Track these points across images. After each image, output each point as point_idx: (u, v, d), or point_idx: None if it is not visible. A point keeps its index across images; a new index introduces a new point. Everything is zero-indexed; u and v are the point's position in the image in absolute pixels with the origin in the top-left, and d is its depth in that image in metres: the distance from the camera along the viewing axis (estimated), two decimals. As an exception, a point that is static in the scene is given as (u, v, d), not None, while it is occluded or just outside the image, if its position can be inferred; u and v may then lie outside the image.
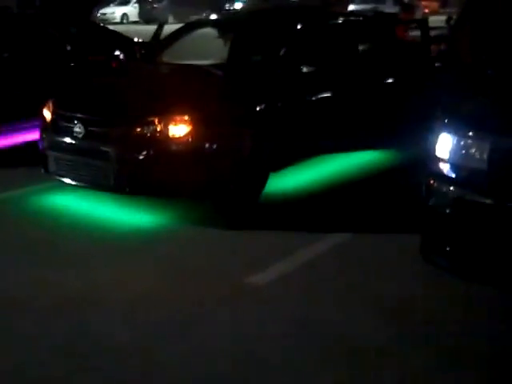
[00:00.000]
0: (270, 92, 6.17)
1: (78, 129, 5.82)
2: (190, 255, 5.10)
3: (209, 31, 7.67)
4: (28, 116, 8.20)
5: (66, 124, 6.01)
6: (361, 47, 7.12)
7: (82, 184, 5.98)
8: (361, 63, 6.96)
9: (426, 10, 39.54)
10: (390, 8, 33.78)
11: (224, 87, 6.10)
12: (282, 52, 6.37)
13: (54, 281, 4.62)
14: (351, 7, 34.67)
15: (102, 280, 4.64)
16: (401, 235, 5.36)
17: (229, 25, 7.66)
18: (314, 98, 6.45)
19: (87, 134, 5.78)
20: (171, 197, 5.80)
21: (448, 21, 11.87)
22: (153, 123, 5.57)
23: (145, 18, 43.69)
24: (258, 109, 6.00)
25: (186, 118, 5.54)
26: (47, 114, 6.35)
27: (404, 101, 7.19)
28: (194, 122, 5.55)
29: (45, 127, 6.33)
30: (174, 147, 5.56)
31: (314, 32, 6.86)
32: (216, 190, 5.73)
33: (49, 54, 8.90)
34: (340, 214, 5.98)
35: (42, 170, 6.30)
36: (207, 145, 5.61)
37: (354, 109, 6.72)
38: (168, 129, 5.55)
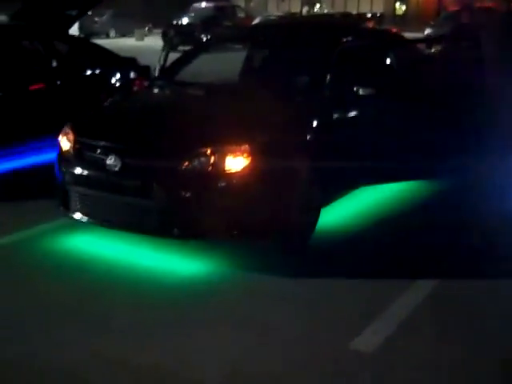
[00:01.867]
0: (325, 117, 5.47)
1: (111, 161, 4.97)
2: (266, 314, 4.30)
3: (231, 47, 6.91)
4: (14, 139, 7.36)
5: (93, 155, 5.15)
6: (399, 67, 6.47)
7: (115, 225, 5.12)
8: (405, 84, 6.30)
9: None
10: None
11: (277, 112, 5.31)
12: (330, 74, 5.64)
13: (116, 357, 3.75)
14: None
15: (176, 353, 3.81)
16: (491, 280, 4.79)
17: (257, 40, 6.84)
18: (365, 125, 5.76)
19: (124, 167, 4.94)
20: (225, 240, 4.99)
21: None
22: (205, 155, 4.78)
23: (85, 31, 42.43)
24: (315, 136, 5.27)
25: (246, 148, 4.77)
26: (65, 142, 5.47)
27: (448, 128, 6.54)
28: (253, 153, 4.78)
29: (64, 158, 5.44)
30: (230, 183, 4.77)
31: (359, 51, 6.19)
32: (276, 230, 4.97)
33: (31, 70, 8.01)
34: (405, 254, 5.29)
35: (61, 208, 5.40)
36: (267, 179, 4.86)
37: (406, 135, 6.03)
38: (224, 161, 4.76)
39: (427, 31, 26.99)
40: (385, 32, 7.58)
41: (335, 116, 5.54)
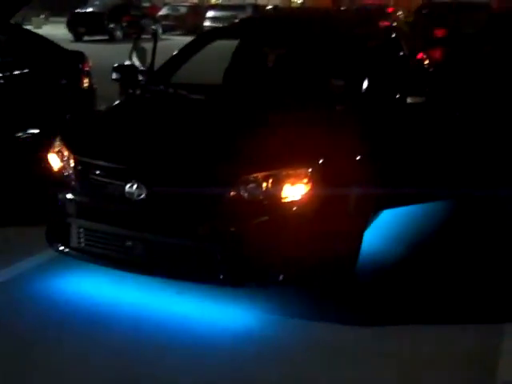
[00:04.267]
0: (371, 129, 4.67)
1: (132, 188, 3.95)
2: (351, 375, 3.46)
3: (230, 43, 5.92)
4: None
5: (105, 180, 4.12)
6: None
7: (137, 269, 4.11)
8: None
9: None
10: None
11: (324, 126, 4.43)
12: (368, 77, 4.83)
13: None
14: (210, 13, 33.62)
15: None
16: None
17: (269, 38, 5.77)
18: (416, 137, 4.99)
19: (151, 197, 3.93)
20: (284, 285, 4.07)
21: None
22: (256, 181, 3.87)
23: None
24: (368, 154, 4.44)
25: (307, 171, 3.88)
26: (58, 162, 4.39)
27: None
28: (314, 177, 3.90)
29: (59, 182, 4.37)
30: (288, 214, 3.89)
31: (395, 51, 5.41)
32: (330, 266, 4.12)
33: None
34: (461, 282, 4.59)
35: (58, 245, 4.33)
36: (329, 208, 3.99)
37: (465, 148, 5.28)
38: (280, 189, 3.87)
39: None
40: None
41: (380, 128, 4.74)
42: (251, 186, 3.86)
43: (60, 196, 4.31)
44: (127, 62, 5.91)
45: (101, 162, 4.18)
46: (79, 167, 4.24)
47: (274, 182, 3.86)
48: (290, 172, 3.88)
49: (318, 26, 5.61)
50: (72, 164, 4.28)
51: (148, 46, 6.17)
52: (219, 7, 35.12)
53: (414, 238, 5.31)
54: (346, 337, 3.87)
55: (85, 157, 4.26)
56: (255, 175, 3.86)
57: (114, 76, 5.72)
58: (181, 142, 4.20)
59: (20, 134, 7.47)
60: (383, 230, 5.28)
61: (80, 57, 8.78)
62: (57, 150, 4.45)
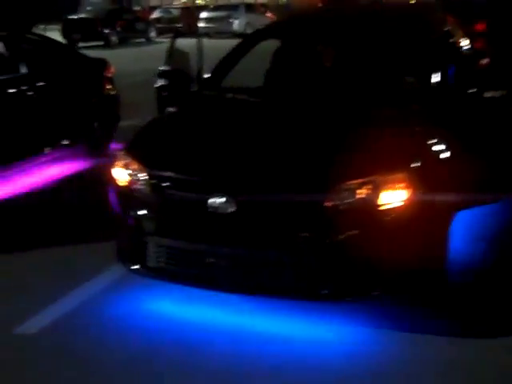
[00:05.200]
0: (468, 129, 4.41)
1: (217, 202, 3.69)
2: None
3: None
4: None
5: (185, 194, 3.87)
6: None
7: (222, 287, 3.85)
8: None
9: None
10: (242, 16, 32.76)
11: (407, 127, 4.15)
12: (441, 72, 4.58)
13: None
14: (204, 14, 33.36)
15: None
16: None
17: (328, 36, 5.42)
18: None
19: (240, 211, 3.67)
20: (383, 296, 3.80)
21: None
22: (351, 189, 3.63)
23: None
24: (453, 152, 4.17)
25: (404, 176, 3.64)
26: (126, 176, 4.13)
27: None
28: (412, 182, 3.66)
29: (130, 197, 4.10)
30: (389, 222, 3.65)
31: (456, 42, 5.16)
32: (432, 274, 3.87)
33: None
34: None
35: (134, 266, 4.06)
36: (427, 215, 3.75)
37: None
38: (377, 196, 3.61)
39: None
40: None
41: (460, 124, 4.48)
42: (347, 194, 3.62)
43: (132, 213, 4.05)
44: (162, 68, 5.65)
45: (179, 175, 3.93)
46: (153, 181, 3.97)
47: (371, 189, 3.62)
48: (389, 177, 3.65)
49: (373, 21, 5.31)
50: (144, 178, 4.01)
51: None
52: (212, 8, 34.79)
53: (494, 237, 5.05)
54: (460, 349, 3.61)
55: (159, 170, 4.00)
56: (351, 182, 3.63)
57: (161, 82, 5.46)
58: (265, 151, 3.93)
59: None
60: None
61: (102, 63, 8.59)
62: (123, 163, 4.18)
